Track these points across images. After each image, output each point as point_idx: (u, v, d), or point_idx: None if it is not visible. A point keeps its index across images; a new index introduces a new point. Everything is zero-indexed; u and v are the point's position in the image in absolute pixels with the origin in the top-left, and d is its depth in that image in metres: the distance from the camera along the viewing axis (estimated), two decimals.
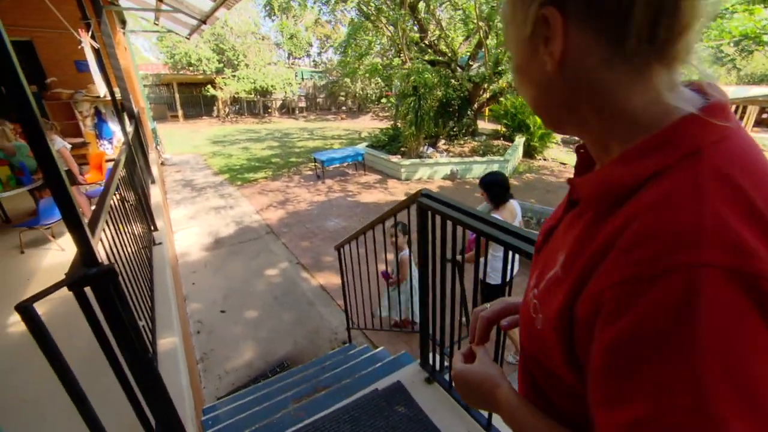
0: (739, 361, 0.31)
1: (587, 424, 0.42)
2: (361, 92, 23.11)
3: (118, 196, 2.30)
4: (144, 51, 28.19)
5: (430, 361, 2.01)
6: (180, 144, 13.85)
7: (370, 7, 8.83)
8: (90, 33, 2.82)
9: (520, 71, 0.49)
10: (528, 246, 1.24)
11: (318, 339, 3.67)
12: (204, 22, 5.39)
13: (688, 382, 0.31)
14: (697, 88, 0.42)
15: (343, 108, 25.18)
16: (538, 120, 10.57)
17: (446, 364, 2.00)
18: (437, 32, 9.96)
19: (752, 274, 0.31)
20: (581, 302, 0.39)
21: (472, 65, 9.68)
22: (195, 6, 5.28)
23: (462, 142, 10.60)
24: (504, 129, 11.58)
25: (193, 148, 13.18)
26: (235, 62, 20.25)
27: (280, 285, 4.61)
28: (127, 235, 2.20)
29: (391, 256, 4.31)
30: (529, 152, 10.87)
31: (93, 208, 4.76)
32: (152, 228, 3.51)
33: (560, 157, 10.97)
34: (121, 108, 4.68)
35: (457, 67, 9.71)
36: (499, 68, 7.97)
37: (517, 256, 1.45)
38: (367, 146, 10.87)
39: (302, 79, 23.39)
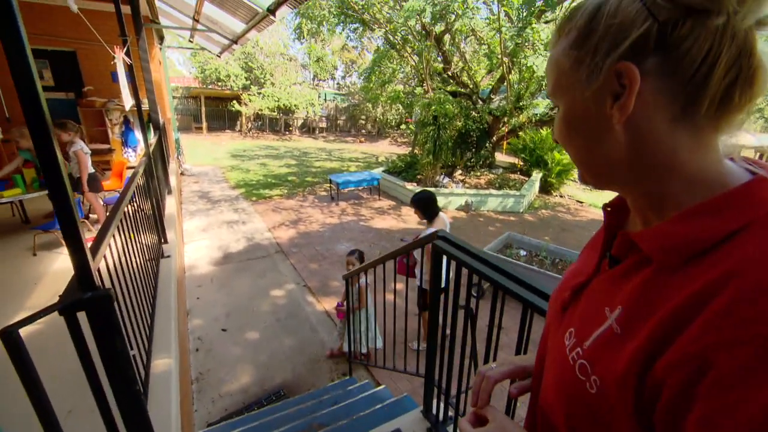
0: None
1: None
2: (381, 117, 23.53)
3: (131, 207, 2.30)
4: (178, 64, 29.60)
5: (434, 410, 1.88)
6: (201, 155, 14.18)
7: (396, 37, 9.07)
8: (125, 49, 2.91)
9: (571, 122, 0.48)
10: (545, 303, 1.15)
11: (317, 368, 3.54)
12: (235, 42, 5.59)
13: None
14: (730, 158, 0.43)
15: (363, 131, 25.59)
16: (557, 156, 10.56)
17: (450, 414, 1.87)
18: (460, 64, 10.14)
19: None
20: (664, 363, 0.36)
21: (493, 98, 9.75)
22: (228, 27, 5.50)
23: (478, 173, 10.56)
24: (521, 163, 11.53)
25: (213, 161, 13.46)
26: (262, 80, 20.95)
27: (284, 307, 4.53)
28: (135, 247, 2.17)
29: (400, 286, 4.21)
30: (546, 188, 10.74)
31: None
32: (162, 240, 3.50)
33: (577, 194, 10.80)
34: (148, 119, 4.81)
35: (479, 99, 9.80)
36: (521, 103, 8.00)
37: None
38: (383, 171, 10.92)
39: (325, 100, 23.99)
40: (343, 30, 10.31)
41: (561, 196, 10.60)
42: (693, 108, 0.39)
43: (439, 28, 8.29)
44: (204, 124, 20.79)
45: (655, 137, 0.41)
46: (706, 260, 0.38)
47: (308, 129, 24.03)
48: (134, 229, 2.28)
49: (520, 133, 10.26)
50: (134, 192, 2.39)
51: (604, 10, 0.42)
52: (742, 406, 0.31)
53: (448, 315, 1.62)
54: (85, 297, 1.04)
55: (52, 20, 6.06)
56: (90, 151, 4.25)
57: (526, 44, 6.03)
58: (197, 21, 5.70)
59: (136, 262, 2.10)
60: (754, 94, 0.38)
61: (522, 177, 10.74)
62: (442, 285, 1.52)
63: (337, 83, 28.68)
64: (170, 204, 4.93)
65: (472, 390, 0.66)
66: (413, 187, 9.09)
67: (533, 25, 5.80)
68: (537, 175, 10.42)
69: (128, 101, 3.07)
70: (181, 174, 10.58)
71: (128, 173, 5.95)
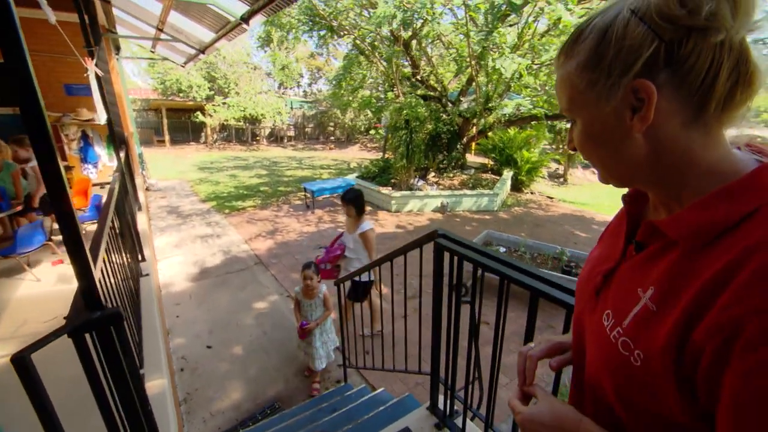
0: None
1: None
2: (350, 123, 23.53)
3: (111, 225, 2.19)
4: (132, 76, 28.29)
5: (440, 405, 1.91)
6: (166, 169, 13.64)
7: (365, 42, 9.14)
8: (95, 60, 2.79)
9: (592, 135, 0.53)
10: (552, 290, 1.20)
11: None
12: (202, 52, 5.45)
13: None
14: (737, 146, 0.50)
15: (332, 138, 25.48)
16: (526, 154, 10.96)
17: (456, 408, 1.91)
18: (428, 68, 10.35)
19: None
20: (701, 332, 0.41)
21: (462, 100, 10.01)
22: (194, 36, 5.36)
23: (451, 175, 10.78)
24: (492, 163, 11.88)
25: (180, 174, 12.99)
26: (226, 90, 20.45)
27: (269, 318, 4.43)
28: (118, 267, 2.07)
29: (386, 290, 4.20)
30: (517, 186, 11.12)
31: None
32: (140, 258, 3.36)
33: (547, 191, 11.25)
34: (111, 133, 4.59)
35: (448, 102, 10.03)
36: (490, 104, 8.26)
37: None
38: (357, 177, 10.92)
39: (291, 108, 23.73)
40: (311, 37, 10.28)
41: (532, 193, 11.00)
42: (702, 111, 0.45)
43: (406, 33, 8.44)
44: (166, 137, 20.02)
45: (672, 140, 0.47)
46: (726, 240, 0.43)
47: (276, 138, 23.66)
48: (115, 247, 2.18)
49: (489, 133, 10.58)
50: (114, 208, 2.29)
51: (611, 34, 0.47)
52: None
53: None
54: (94, 317, 0.99)
55: None
56: None
57: (493, 47, 6.26)
58: (161, 30, 5.52)
59: (119, 281, 2.01)
60: (753, 91, 0.45)
61: (494, 176, 11.07)
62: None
63: (304, 91, 28.46)
64: (142, 221, 4.73)
65: (517, 370, 0.70)
66: (388, 192, 9.16)
67: (499, 29, 6.04)
68: (508, 174, 10.77)
69: (103, 115, 2.93)
70: (147, 189, 10.14)
71: (94, 191, 5.65)
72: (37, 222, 4.01)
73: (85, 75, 2.67)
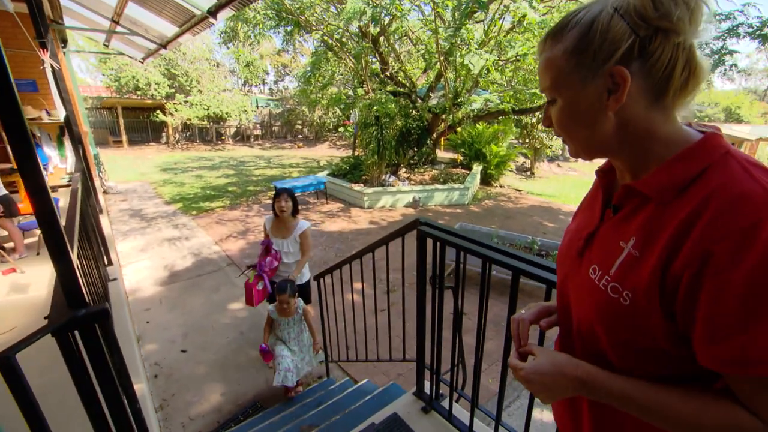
0: None
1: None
2: (318, 121, 23.23)
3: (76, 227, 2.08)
4: (80, 72, 26.50)
5: (426, 390, 1.96)
6: (125, 171, 12.96)
7: (333, 39, 9.06)
8: (48, 53, 2.61)
9: (572, 111, 0.63)
10: (532, 268, 1.27)
11: None
12: (164, 47, 5.22)
13: None
14: (687, 123, 0.63)
15: (300, 136, 25.08)
16: (494, 148, 11.26)
17: (441, 392, 1.97)
18: (396, 65, 10.40)
19: None
20: (677, 264, 0.52)
21: (431, 96, 10.14)
22: (154, 29, 5.12)
23: (422, 170, 10.92)
24: (461, 158, 12.13)
25: (140, 176, 12.38)
26: (188, 88, 19.63)
27: (246, 319, 4.34)
28: (87, 270, 1.98)
29: (358, 285, 4.20)
30: (486, 180, 11.42)
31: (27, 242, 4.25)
32: (106, 262, 3.20)
33: (515, 184, 11.62)
34: (60, 132, 4.33)
35: (417, 98, 10.13)
36: (459, 100, 8.43)
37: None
38: (328, 174, 10.84)
39: (257, 106, 23.12)
40: (277, 33, 10.06)
41: (501, 186, 11.33)
42: (662, 96, 0.57)
43: (375, 29, 8.44)
44: (124, 137, 18.98)
45: (637, 118, 0.58)
46: (688, 193, 0.54)
47: (242, 137, 23.00)
48: (83, 249, 2.08)
49: (459, 128, 10.79)
50: (79, 209, 2.17)
51: (597, 26, 0.56)
52: (735, 276, 0.47)
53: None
54: (79, 315, 0.95)
55: None
56: None
57: (461, 43, 6.39)
58: (116, 23, 5.23)
59: (91, 284, 1.92)
60: (699, 82, 0.57)
61: (463, 170, 11.31)
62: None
63: (270, 88, 27.82)
64: (105, 224, 4.50)
65: (512, 334, 0.76)
66: (360, 188, 9.16)
67: (467, 25, 6.17)
68: (477, 168, 11.03)
69: (62, 111, 2.74)
70: (105, 192, 9.61)
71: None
72: None
73: (41, 68, 2.49)
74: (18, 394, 0.82)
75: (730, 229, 0.48)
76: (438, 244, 1.60)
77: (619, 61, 0.55)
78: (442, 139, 11.95)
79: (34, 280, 3.35)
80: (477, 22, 7.60)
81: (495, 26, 7.56)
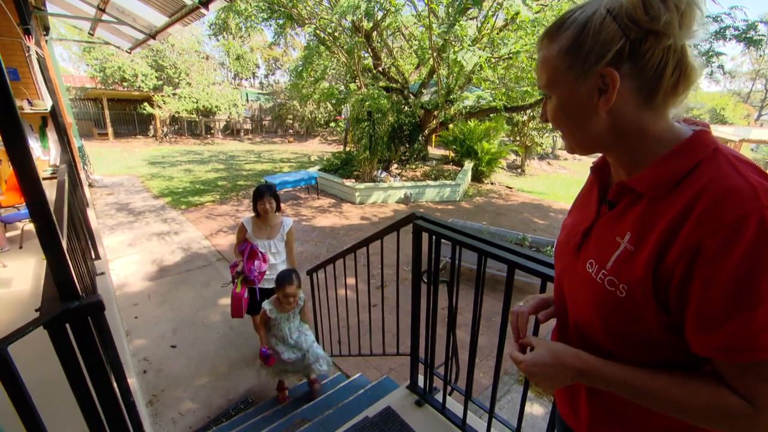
0: None
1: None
2: (309, 116, 23.04)
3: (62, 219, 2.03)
4: (62, 61, 25.74)
5: (420, 383, 1.98)
6: (111, 164, 12.71)
7: (326, 33, 8.98)
8: (33, 39, 2.53)
9: (566, 109, 0.64)
10: (527, 262, 1.29)
11: None
12: (153, 37, 5.10)
13: None
14: (678, 120, 0.64)
15: (290, 131, 24.84)
16: (486, 145, 11.31)
17: (435, 385, 1.98)
18: (389, 61, 10.36)
19: None
20: (670, 257, 0.54)
21: (423, 92, 10.14)
22: (143, 19, 5.00)
23: (414, 166, 10.93)
24: (453, 154, 12.16)
25: (128, 169, 12.15)
26: (176, 80, 19.25)
27: None
28: (76, 263, 1.94)
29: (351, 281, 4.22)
30: (478, 176, 11.48)
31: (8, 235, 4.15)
32: (94, 256, 3.14)
33: (506, 181, 11.71)
34: (55, 122, 4.22)
35: (410, 94, 10.12)
36: (451, 96, 8.44)
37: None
38: (319, 169, 10.78)
39: (247, 100, 22.81)
40: (269, 26, 9.92)
41: (492, 183, 11.40)
42: (652, 97, 0.58)
43: (368, 24, 8.39)
44: (109, 130, 18.56)
45: (628, 117, 0.60)
46: (681, 188, 0.56)
47: (232, 131, 22.70)
48: (71, 242, 2.04)
49: (450, 125, 10.82)
50: (67, 201, 2.12)
51: (590, 28, 0.57)
52: (723, 268, 0.49)
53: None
54: (72, 306, 0.94)
55: None
56: None
57: (455, 40, 6.39)
58: (103, 11, 5.09)
59: (79, 277, 1.89)
60: (690, 83, 0.58)
61: (455, 167, 11.35)
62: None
63: (260, 82, 27.47)
64: (91, 218, 4.41)
65: (511, 326, 0.78)
66: (352, 184, 9.13)
67: (460, 22, 6.17)
68: (469, 165, 11.08)
69: (48, 100, 2.67)
70: (90, 186, 9.41)
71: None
72: None
73: (27, 55, 2.42)
74: (10, 388, 0.80)
75: (719, 223, 0.50)
76: (434, 238, 1.61)
77: (610, 62, 0.57)
78: (433, 135, 11.97)
79: (18, 275, 3.27)
80: (470, 19, 7.61)
81: (488, 23, 7.57)
